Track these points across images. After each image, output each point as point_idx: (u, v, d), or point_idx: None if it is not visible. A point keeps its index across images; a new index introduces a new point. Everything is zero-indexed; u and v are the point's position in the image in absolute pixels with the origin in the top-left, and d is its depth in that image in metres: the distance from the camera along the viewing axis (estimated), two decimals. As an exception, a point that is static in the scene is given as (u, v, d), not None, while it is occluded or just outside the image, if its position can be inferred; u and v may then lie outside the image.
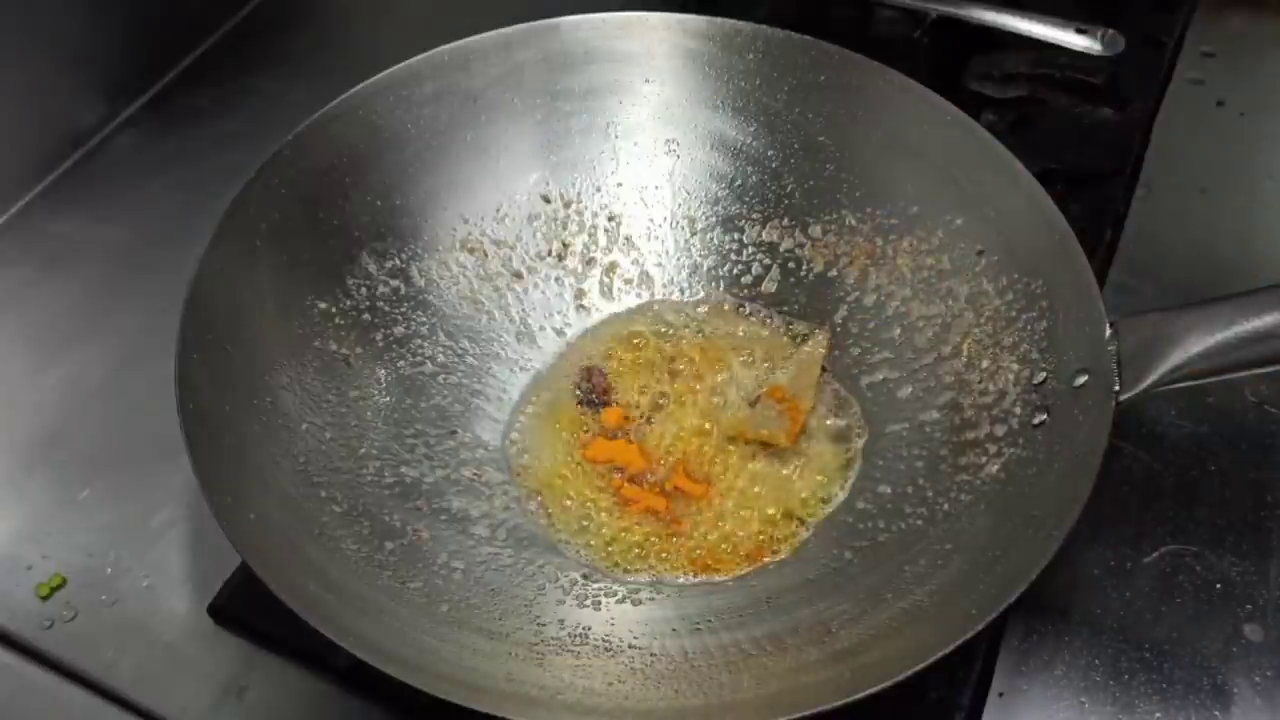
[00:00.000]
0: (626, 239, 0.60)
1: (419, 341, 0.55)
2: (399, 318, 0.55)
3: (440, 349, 0.56)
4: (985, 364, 0.51)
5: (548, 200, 0.59)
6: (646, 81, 0.59)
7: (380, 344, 0.54)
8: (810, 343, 0.56)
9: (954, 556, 0.45)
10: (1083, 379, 0.45)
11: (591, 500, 0.52)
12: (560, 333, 0.58)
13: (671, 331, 0.58)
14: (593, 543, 0.50)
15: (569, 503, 0.52)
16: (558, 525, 0.51)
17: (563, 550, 0.50)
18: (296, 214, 0.52)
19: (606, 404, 0.55)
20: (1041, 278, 0.49)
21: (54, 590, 0.51)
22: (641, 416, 0.55)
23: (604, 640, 0.45)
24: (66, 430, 0.58)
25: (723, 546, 0.50)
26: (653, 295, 0.59)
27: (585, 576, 0.49)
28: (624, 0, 0.61)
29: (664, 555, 0.50)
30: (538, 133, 0.59)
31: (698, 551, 0.50)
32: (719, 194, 0.59)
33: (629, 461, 0.53)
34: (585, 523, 0.51)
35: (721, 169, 0.59)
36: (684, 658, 0.44)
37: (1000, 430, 0.48)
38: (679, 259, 0.60)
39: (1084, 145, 0.67)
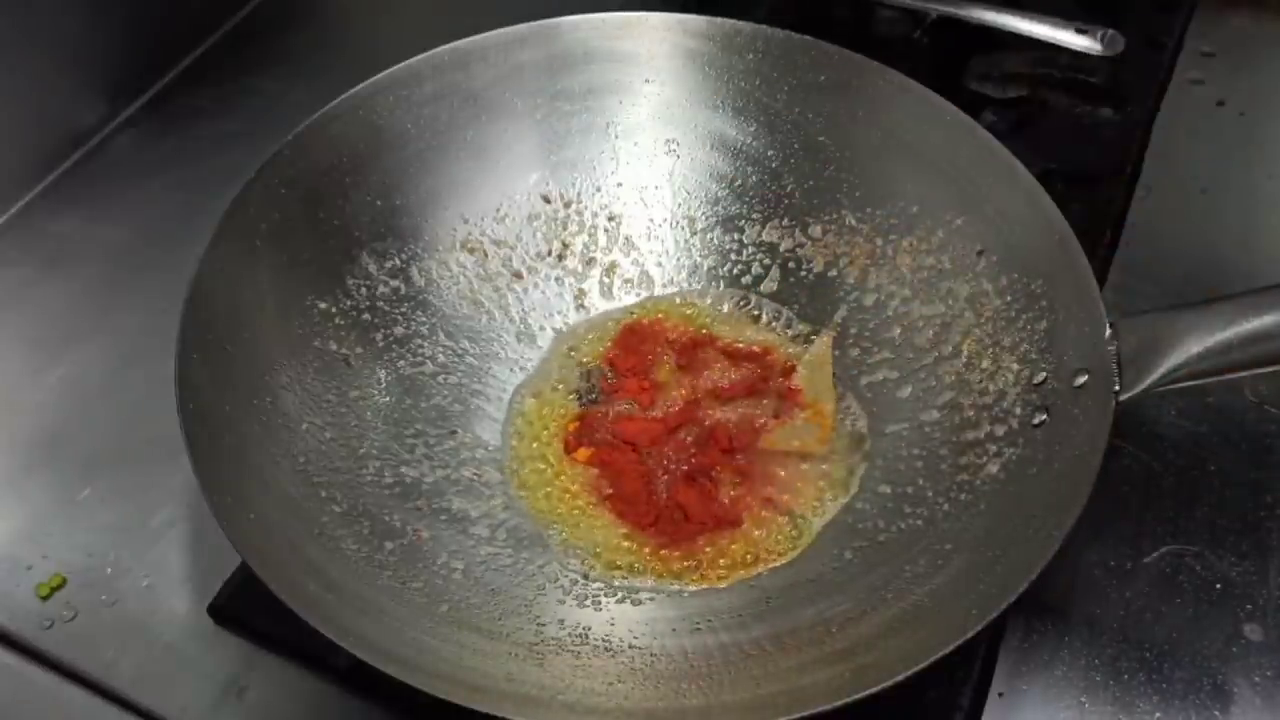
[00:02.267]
0: (626, 239, 0.60)
1: (419, 341, 0.55)
2: (399, 318, 0.55)
3: (440, 349, 0.56)
4: (985, 364, 0.51)
5: (548, 200, 0.59)
6: (646, 81, 0.59)
7: (380, 344, 0.54)
8: (816, 344, 0.56)
9: (954, 556, 0.45)
10: (1083, 379, 0.45)
11: (585, 506, 0.52)
12: (560, 333, 0.58)
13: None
14: (589, 550, 0.50)
15: (562, 508, 0.52)
16: (550, 530, 0.51)
17: (556, 555, 0.50)
18: (296, 214, 0.52)
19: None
20: (1041, 278, 0.49)
21: (54, 590, 0.51)
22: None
23: (604, 640, 0.45)
24: (66, 430, 0.58)
25: (722, 559, 0.50)
26: (652, 295, 0.59)
27: (585, 576, 0.49)
28: (624, 0, 0.61)
29: (656, 567, 0.50)
30: (538, 133, 0.59)
31: (699, 558, 0.50)
32: (719, 194, 0.59)
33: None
34: (576, 528, 0.51)
35: (721, 169, 0.59)
36: (684, 658, 0.44)
37: (1000, 430, 0.48)
38: (679, 259, 0.60)
39: (1084, 145, 0.67)
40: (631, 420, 0.54)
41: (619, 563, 0.50)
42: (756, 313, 0.58)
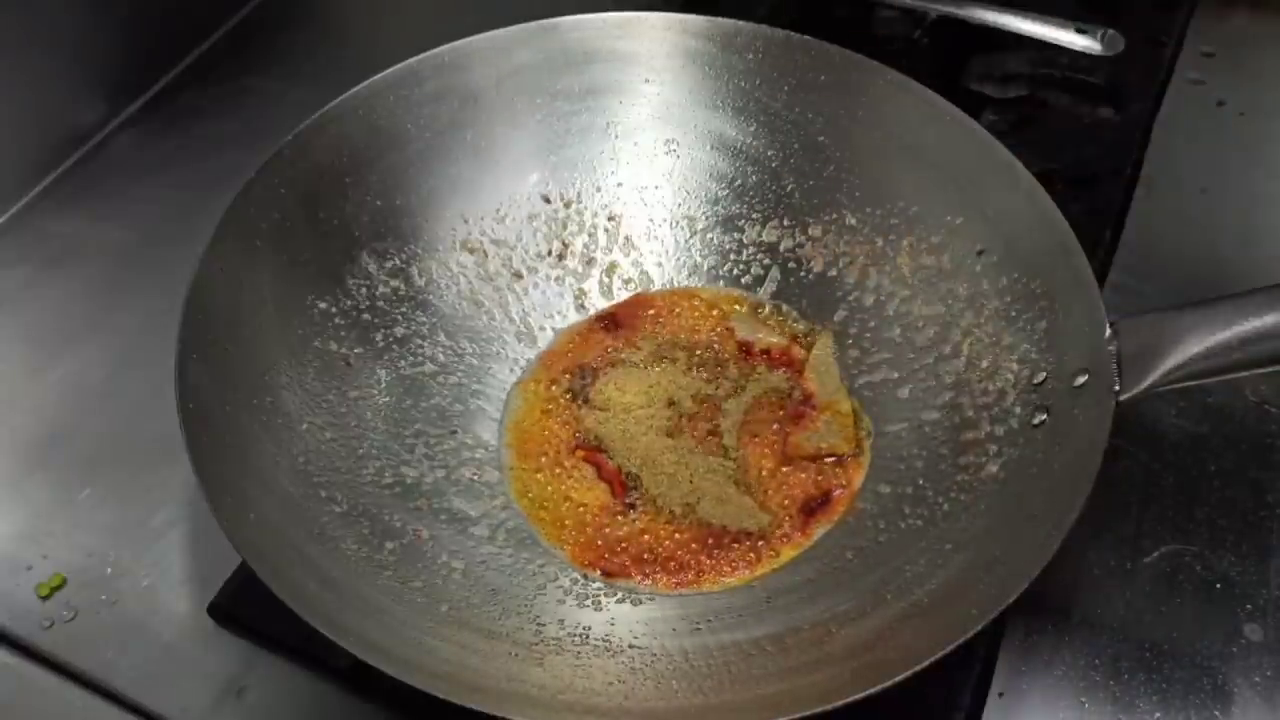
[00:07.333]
0: (626, 239, 0.60)
1: (419, 341, 0.55)
2: (399, 318, 0.55)
3: (440, 349, 0.56)
4: (985, 364, 0.51)
5: (548, 200, 0.59)
6: (646, 81, 0.59)
7: (380, 344, 0.54)
8: (818, 345, 0.56)
9: (954, 556, 0.45)
10: (1083, 379, 0.45)
11: (581, 505, 0.52)
12: (560, 333, 0.58)
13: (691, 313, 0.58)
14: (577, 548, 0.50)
15: (561, 508, 0.52)
16: (546, 531, 0.51)
17: (554, 553, 0.50)
18: (296, 214, 0.52)
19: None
20: (1041, 278, 0.49)
21: (54, 590, 0.51)
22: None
23: (604, 640, 0.45)
24: (66, 430, 0.58)
25: (725, 564, 0.50)
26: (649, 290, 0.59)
27: (585, 576, 0.49)
28: (624, 0, 0.61)
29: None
30: (538, 133, 0.59)
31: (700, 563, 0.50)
32: (719, 194, 0.59)
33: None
34: (572, 527, 0.51)
35: (721, 169, 0.59)
36: (684, 658, 0.44)
37: (1000, 430, 0.48)
38: (679, 259, 0.60)
39: (1084, 145, 0.67)
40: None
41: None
42: (760, 311, 0.58)
